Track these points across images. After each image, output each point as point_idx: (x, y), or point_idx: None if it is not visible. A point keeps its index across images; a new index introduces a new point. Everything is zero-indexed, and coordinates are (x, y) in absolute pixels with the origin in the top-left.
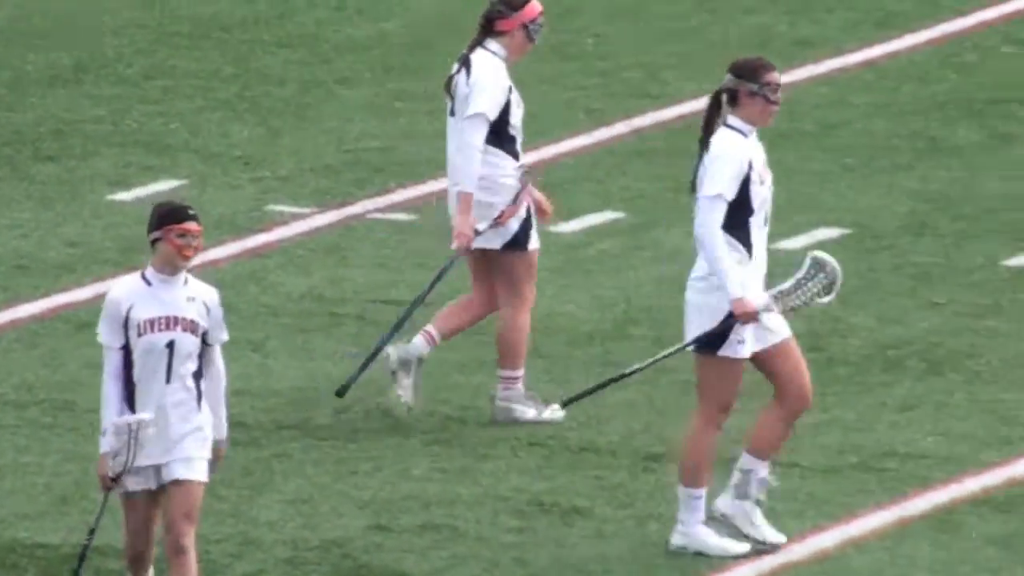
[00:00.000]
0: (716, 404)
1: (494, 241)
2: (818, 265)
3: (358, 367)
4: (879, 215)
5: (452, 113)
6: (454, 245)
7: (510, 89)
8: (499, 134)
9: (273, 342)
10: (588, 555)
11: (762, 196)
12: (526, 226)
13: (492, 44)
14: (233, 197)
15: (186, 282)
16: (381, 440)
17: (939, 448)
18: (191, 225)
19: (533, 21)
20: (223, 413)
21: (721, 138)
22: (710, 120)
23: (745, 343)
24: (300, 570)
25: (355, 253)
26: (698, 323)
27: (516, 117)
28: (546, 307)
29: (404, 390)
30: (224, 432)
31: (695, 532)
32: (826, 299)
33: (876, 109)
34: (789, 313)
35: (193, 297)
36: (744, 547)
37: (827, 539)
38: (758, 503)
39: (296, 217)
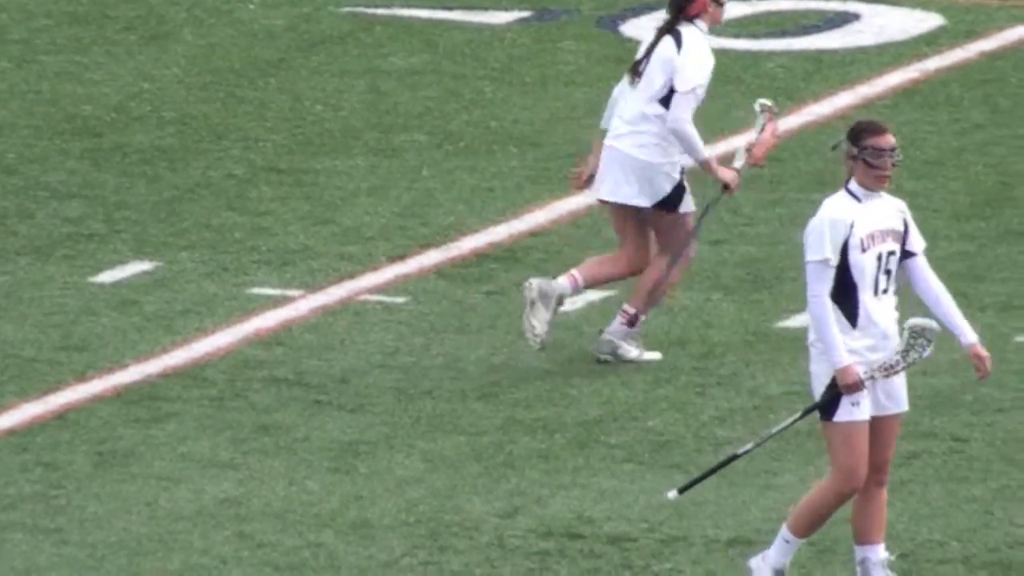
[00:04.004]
0: (840, 468)
1: (643, 200)
2: (916, 334)
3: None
4: None
5: (638, 75)
6: (733, 189)
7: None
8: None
9: None
10: None
11: (865, 264)
12: (679, 188)
13: (698, 23)
14: None
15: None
16: None
17: None
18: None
19: None
20: None
21: (828, 202)
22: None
23: (860, 405)
24: None
25: None
26: (819, 390)
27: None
28: None
29: (540, 323)
30: None
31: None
32: (926, 355)
33: None
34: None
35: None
36: None
37: None
38: None
39: None
